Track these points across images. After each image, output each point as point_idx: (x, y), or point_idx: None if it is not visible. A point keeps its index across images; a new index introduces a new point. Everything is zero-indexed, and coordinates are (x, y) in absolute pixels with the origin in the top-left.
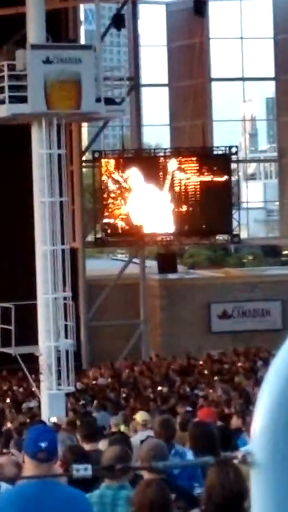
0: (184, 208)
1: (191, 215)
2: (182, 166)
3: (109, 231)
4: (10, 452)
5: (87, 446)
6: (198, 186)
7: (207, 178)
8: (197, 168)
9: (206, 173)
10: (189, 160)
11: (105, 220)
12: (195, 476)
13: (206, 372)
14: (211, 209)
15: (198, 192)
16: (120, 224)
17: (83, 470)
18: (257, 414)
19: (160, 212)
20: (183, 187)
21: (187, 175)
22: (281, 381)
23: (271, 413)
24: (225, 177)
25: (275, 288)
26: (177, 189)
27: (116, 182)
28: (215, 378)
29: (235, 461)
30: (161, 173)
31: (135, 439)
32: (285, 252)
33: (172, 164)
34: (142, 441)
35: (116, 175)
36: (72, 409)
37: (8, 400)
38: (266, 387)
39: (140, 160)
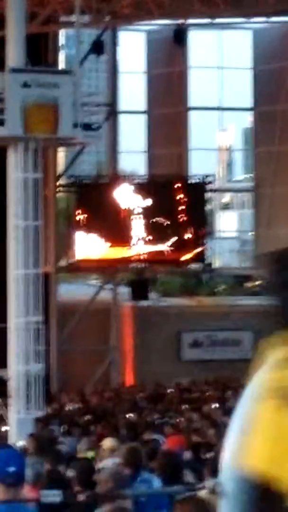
0: (157, 235)
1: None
2: (157, 193)
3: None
4: None
5: None
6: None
7: (182, 206)
8: (172, 196)
9: (181, 201)
10: (164, 188)
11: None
12: (161, 505)
13: (174, 400)
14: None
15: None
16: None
17: (51, 496)
18: (226, 444)
19: (134, 238)
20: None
21: (162, 203)
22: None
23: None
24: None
25: (247, 318)
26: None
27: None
28: (184, 406)
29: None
30: (135, 200)
31: (102, 466)
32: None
33: (147, 191)
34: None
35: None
36: (40, 434)
37: None
38: (236, 418)
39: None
